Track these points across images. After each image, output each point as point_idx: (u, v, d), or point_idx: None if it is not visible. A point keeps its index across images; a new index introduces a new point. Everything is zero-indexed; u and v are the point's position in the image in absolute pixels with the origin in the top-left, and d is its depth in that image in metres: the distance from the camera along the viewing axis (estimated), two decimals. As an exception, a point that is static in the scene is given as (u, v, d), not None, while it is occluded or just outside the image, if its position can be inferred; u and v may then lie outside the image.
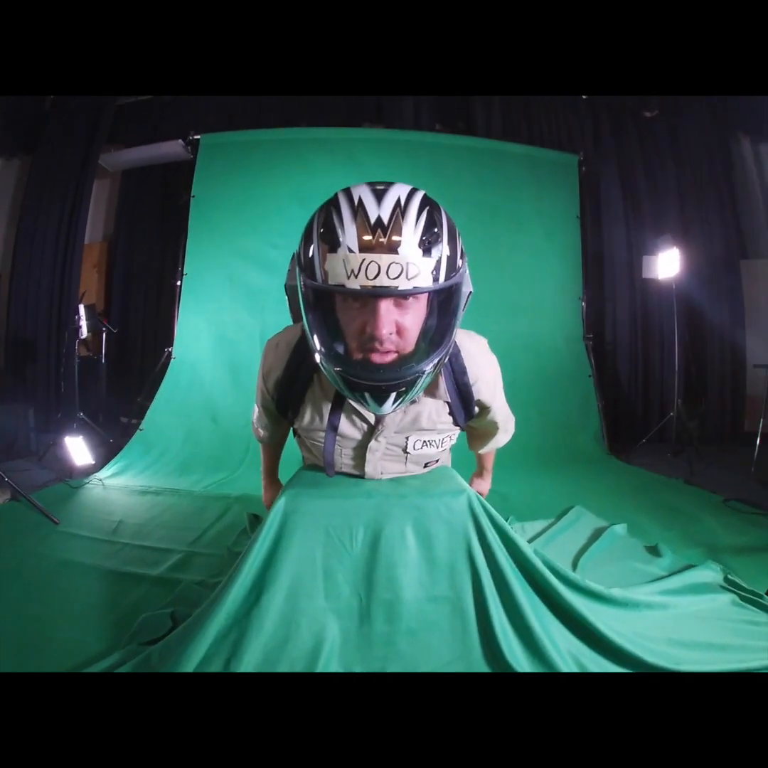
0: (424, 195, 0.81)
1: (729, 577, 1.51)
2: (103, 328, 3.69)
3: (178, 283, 3.70)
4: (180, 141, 3.96)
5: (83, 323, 3.24)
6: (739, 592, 1.42)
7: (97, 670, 1.09)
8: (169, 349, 3.58)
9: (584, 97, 4.40)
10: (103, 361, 3.90)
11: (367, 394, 0.85)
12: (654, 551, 1.77)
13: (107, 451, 3.23)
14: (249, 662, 0.99)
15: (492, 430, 1.30)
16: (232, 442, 3.10)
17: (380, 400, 0.85)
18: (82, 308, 3.29)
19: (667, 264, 3.53)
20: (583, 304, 3.99)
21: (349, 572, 1.05)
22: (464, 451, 1.43)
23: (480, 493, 1.45)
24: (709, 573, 1.52)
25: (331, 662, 1.00)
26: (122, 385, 4.18)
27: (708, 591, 1.43)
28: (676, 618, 1.29)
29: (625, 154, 4.39)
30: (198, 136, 3.87)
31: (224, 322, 3.62)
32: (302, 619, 1.03)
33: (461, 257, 0.84)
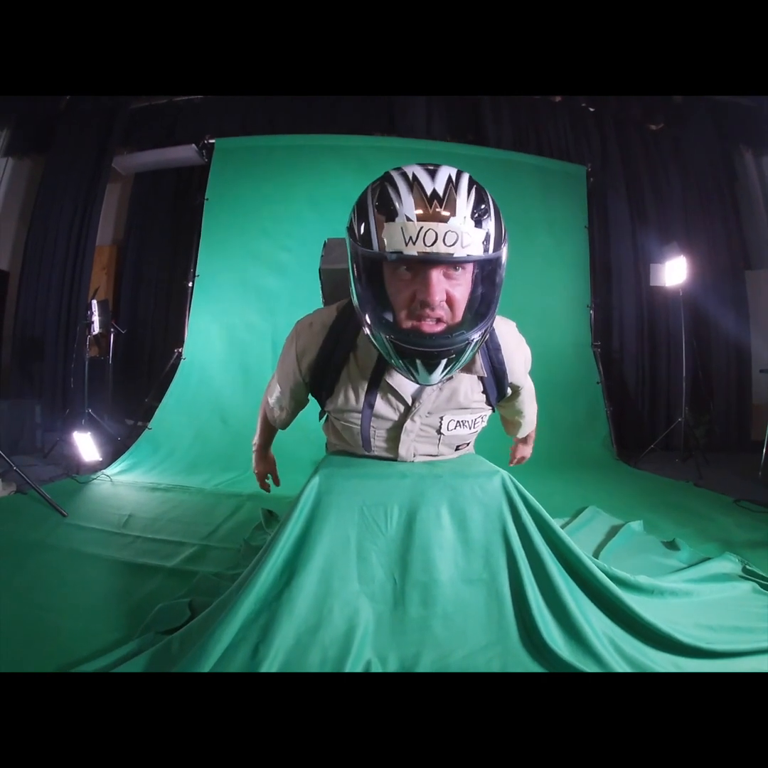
0: (470, 176, 0.86)
1: (747, 567, 1.52)
2: (112, 329, 3.69)
3: (190, 284, 3.71)
4: (193, 145, 4.02)
5: (96, 319, 3.23)
6: (759, 580, 1.44)
7: (113, 659, 1.06)
8: (179, 350, 3.58)
9: (591, 109, 4.48)
10: (110, 361, 3.89)
11: (418, 362, 0.86)
12: (672, 545, 1.78)
13: (114, 449, 3.21)
14: (279, 648, 0.95)
15: (519, 418, 1.34)
16: (243, 443, 3.05)
17: (430, 368, 0.87)
18: (94, 304, 3.28)
19: (674, 272, 3.56)
20: (592, 311, 4.03)
21: (384, 554, 1.03)
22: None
23: (523, 457, 1.51)
24: (728, 564, 1.53)
25: (364, 647, 0.98)
26: (129, 387, 4.16)
27: (728, 580, 1.44)
28: (700, 604, 1.30)
29: (631, 166, 4.46)
30: (212, 140, 3.91)
31: (235, 324, 3.63)
32: (335, 603, 1.00)
33: (504, 234, 0.87)
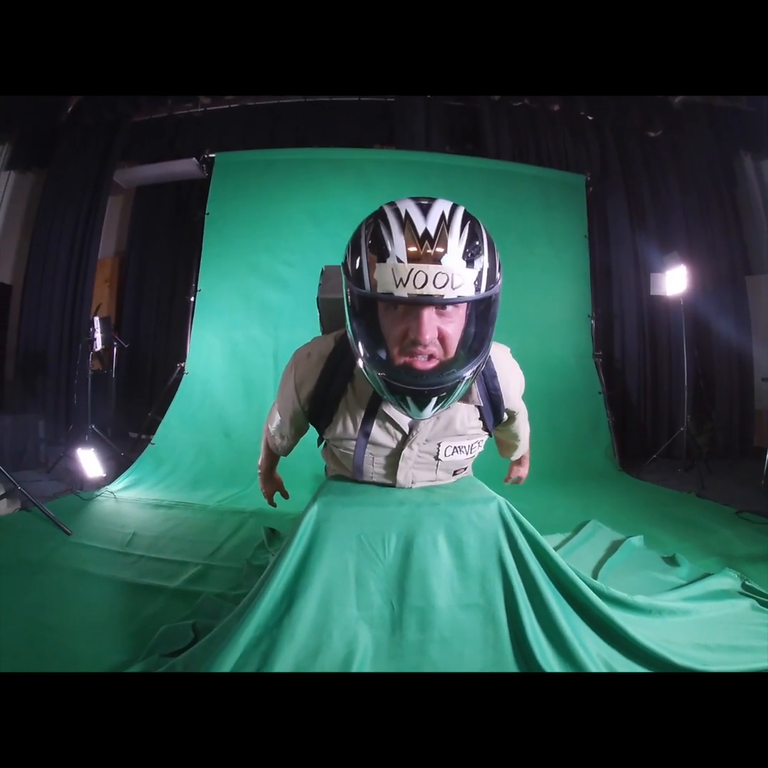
0: (465, 210, 0.85)
1: (747, 583, 1.52)
2: (115, 343, 3.71)
3: (192, 298, 3.73)
4: (194, 159, 4.05)
5: (98, 336, 3.26)
6: (758, 597, 1.44)
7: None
8: (182, 364, 3.59)
9: (590, 118, 4.50)
10: (113, 375, 3.92)
11: (408, 399, 0.87)
12: (671, 561, 1.78)
13: (118, 465, 3.23)
14: (280, 673, 0.97)
15: (514, 441, 1.35)
16: (245, 458, 3.07)
17: (421, 405, 0.88)
18: (97, 321, 3.31)
19: (675, 281, 3.56)
20: (593, 321, 4.03)
21: (382, 580, 1.04)
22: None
23: (520, 477, 1.51)
24: (727, 580, 1.54)
25: (363, 671, 0.99)
26: (132, 401, 4.19)
27: (727, 597, 1.44)
28: (698, 623, 1.30)
29: (631, 174, 4.47)
30: (213, 155, 3.94)
31: (237, 339, 3.64)
32: (334, 629, 1.02)
33: (499, 269, 0.87)
